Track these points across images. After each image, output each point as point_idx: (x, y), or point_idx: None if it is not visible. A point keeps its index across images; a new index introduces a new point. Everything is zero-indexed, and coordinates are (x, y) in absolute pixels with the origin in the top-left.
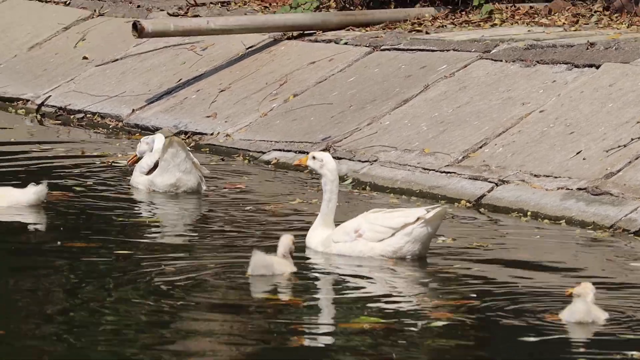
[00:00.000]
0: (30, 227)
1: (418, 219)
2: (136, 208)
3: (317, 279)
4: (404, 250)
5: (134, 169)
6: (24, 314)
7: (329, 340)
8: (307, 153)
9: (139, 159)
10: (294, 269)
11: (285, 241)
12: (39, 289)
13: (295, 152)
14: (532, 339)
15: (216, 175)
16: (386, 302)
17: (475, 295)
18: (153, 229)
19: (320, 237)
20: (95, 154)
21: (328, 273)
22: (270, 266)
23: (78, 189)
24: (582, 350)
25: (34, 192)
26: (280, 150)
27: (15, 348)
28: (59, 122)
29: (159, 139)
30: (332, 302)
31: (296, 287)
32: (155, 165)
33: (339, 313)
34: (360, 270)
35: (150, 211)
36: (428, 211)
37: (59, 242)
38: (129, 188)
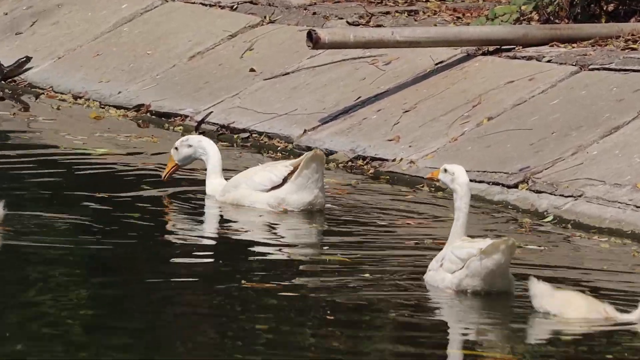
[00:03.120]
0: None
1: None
2: (325, 246)
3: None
4: (463, 285)
5: (237, 184)
6: (199, 335)
7: None
8: (503, 185)
9: (181, 166)
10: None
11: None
12: (207, 315)
13: (489, 183)
14: None
15: (397, 206)
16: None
17: None
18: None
19: None
20: None
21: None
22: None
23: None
24: None
25: None
26: (471, 180)
27: None
28: (222, 141)
29: (207, 143)
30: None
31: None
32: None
33: None
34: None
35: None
36: None
37: (243, 282)
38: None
